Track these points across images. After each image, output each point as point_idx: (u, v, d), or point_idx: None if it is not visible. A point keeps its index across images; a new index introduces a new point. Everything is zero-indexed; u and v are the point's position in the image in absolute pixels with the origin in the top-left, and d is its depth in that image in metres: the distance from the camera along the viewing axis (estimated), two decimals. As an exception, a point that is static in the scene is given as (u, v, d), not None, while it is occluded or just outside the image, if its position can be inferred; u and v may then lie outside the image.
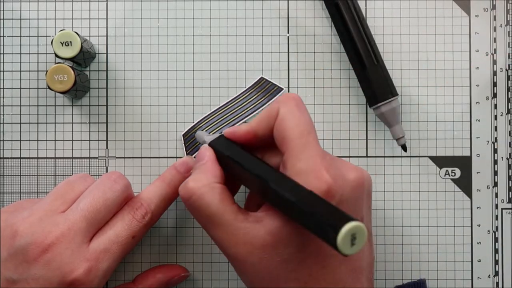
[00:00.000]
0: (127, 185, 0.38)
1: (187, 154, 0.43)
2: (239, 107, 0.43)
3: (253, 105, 0.43)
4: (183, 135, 0.43)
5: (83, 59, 0.41)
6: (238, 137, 0.36)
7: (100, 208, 0.36)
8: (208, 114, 0.43)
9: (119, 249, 0.36)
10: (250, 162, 0.34)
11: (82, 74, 0.42)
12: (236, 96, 0.43)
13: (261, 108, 0.43)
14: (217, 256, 0.43)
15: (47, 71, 0.39)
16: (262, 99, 0.43)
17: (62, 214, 0.36)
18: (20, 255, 0.34)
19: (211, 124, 0.43)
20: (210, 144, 0.37)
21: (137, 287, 0.41)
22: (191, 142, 0.43)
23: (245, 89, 0.43)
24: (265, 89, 0.43)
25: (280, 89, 0.43)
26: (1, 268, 0.35)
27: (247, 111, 0.43)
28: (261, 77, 0.42)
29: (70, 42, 0.40)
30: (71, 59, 0.40)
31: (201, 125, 0.43)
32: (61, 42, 0.40)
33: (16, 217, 0.36)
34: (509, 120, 0.43)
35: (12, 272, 0.34)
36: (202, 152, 0.36)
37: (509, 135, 0.43)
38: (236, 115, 0.43)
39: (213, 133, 0.42)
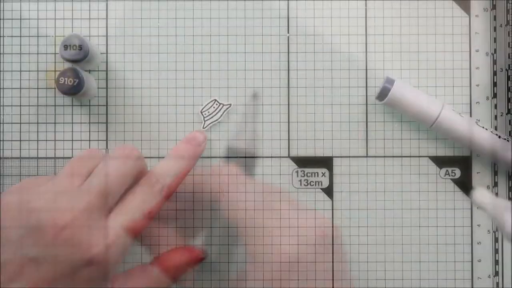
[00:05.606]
0: (140, 158, 0.38)
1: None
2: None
3: None
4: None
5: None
6: None
7: (114, 183, 0.36)
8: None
9: (135, 224, 0.36)
10: None
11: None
12: None
13: None
14: (217, 256, 0.43)
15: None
16: None
17: (77, 190, 0.35)
18: (37, 233, 0.34)
19: None
20: None
21: (158, 267, 0.40)
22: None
23: None
24: None
25: None
26: (19, 246, 0.34)
27: None
28: None
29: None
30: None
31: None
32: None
33: (31, 195, 0.35)
34: (509, 120, 0.43)
35: (29, 249, 0.34)
36: None
37: (509, 135, 0.43)
38: None
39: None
